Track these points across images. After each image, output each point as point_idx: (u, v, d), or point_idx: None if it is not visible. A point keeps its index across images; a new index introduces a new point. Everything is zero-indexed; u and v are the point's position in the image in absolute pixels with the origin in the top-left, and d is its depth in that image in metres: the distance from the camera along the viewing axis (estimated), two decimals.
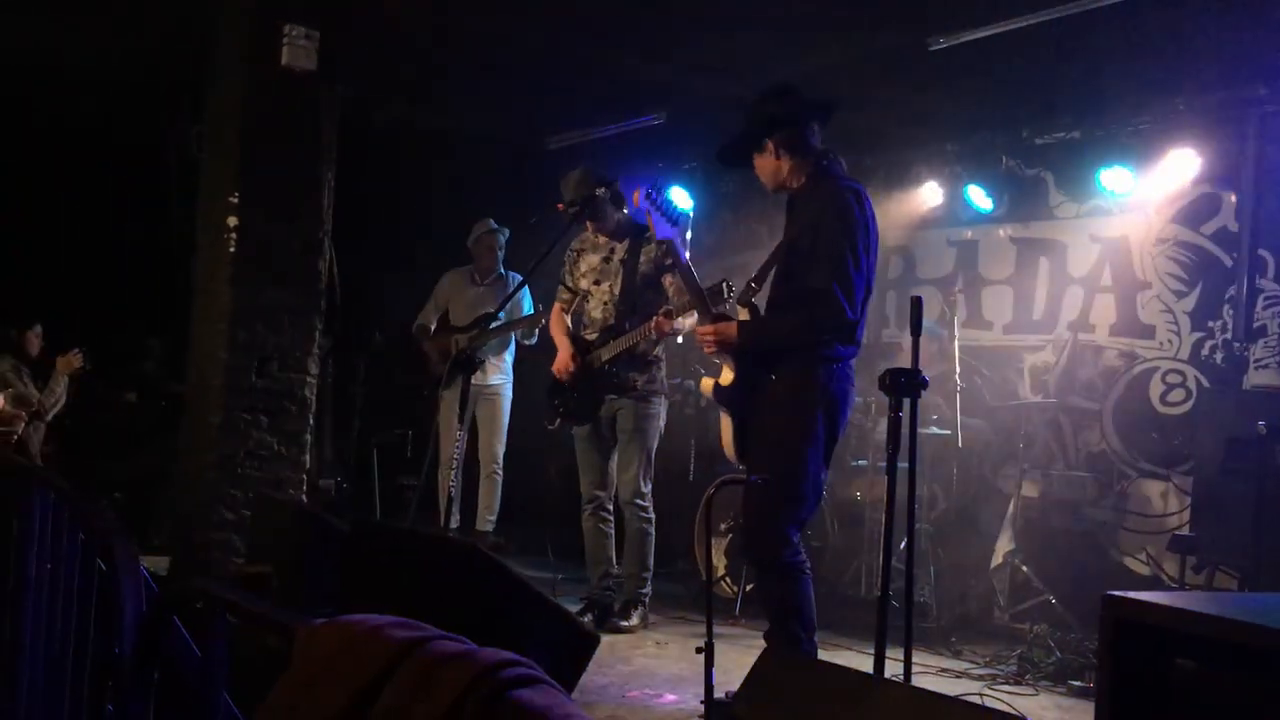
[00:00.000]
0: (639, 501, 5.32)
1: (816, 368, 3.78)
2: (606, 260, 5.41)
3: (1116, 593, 1.88)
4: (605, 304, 5.37)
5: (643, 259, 5.29)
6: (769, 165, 3.99)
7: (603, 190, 5.15)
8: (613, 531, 5.47)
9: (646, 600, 5.45)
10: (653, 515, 5.39)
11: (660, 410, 5.38)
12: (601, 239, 5.43)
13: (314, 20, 5.17)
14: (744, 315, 3.99)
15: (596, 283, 5.42)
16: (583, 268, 5.50)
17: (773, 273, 4.03)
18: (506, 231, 7.08)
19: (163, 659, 1.78)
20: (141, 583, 1.89)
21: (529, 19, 5.88)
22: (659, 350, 5.36)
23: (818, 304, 3.74)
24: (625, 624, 5.33)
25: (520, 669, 1.17)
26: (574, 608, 5.31)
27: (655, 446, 5.39)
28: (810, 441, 3.77)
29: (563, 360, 5.41)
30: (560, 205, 5.24)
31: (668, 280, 5.20)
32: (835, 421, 3.85)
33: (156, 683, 1.73)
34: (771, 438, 3.85)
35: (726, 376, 3.99)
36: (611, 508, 5.47)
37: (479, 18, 5.91)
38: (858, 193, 3.85)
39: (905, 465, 3.46)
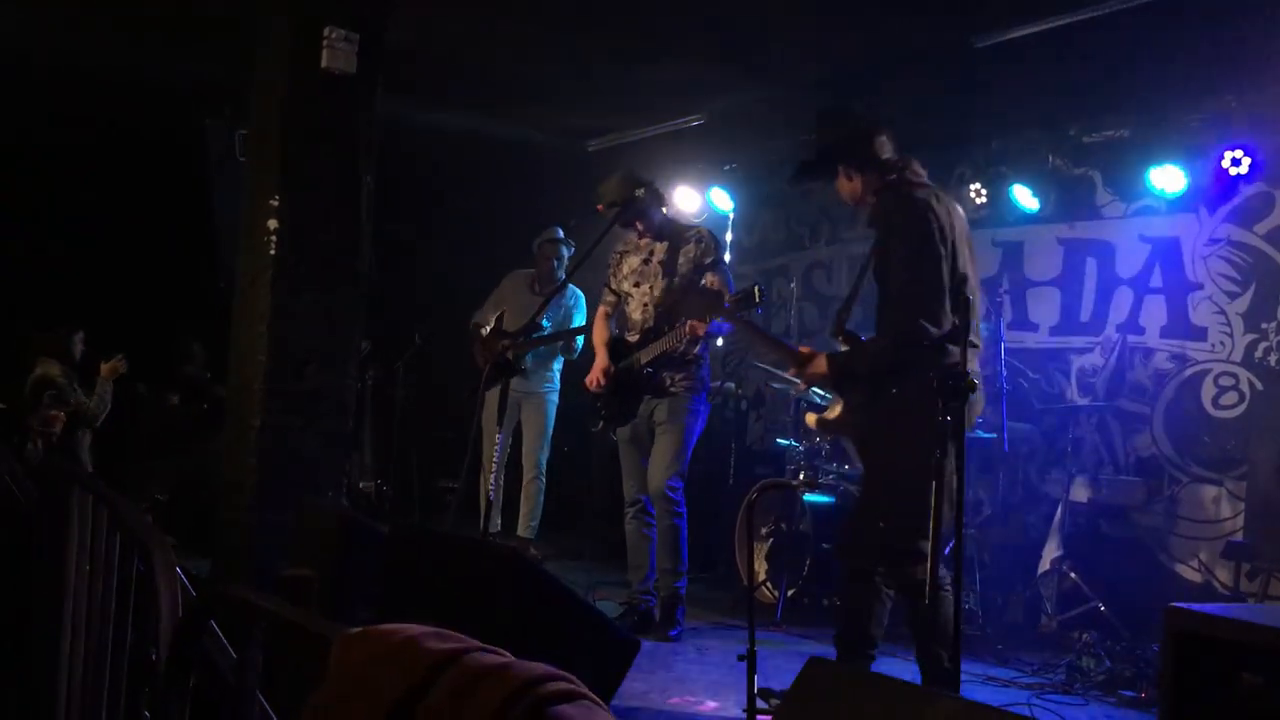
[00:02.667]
0: (668, 494, 5.22)
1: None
2: (646, 262, 5.38)
3: (1180, 604, 1.81)
4: (645, 306, 5.33)
5: (682, 259, 5.25)
6: (845, 188, 4.07)
7: (641, 191, 5.13)
8: (654, 535, 5.39)
9: (683, 597, 5.35)
10: (683, 510, 5.28)
11: (698, 408, 5.30)
12: (643, 240, 5.40)
13: (354, 23, 5.17)
14: (844, 346, 3.97)
15: (636, 284, 5.39)
16: (625, 269, 5.46)
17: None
18: (572, 245, 7.00)
19: (199, 664, 1.75)
20: (178, 587, 1.87)
21: (568, 21, 5.87)
22: (698, 350, 5.30)
23: (895, 327, 3.75)
24: (673, 633, 5.23)
25: (560, 683, 1.12)
26: (614, 612, 5.28)
27: (691, 443, 5.29)
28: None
29: (593, 373, 5.41)
30: (600, 207, 5.21)
31: (709, 279, 5.16)
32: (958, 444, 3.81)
33: (192, 688, 1.70)
34: (897, 450, 3.76)
35: (834, 411, 4.00)
36: (654, 508, 5.39)
37: (518, 21, 5.90)
38: (927, 203, 3.80)
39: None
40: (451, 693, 1.15)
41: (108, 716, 2.16)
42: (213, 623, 1.82)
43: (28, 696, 2.57)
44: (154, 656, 1.90)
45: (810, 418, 4.14)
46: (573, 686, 1.13)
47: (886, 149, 3.99)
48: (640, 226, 5.35)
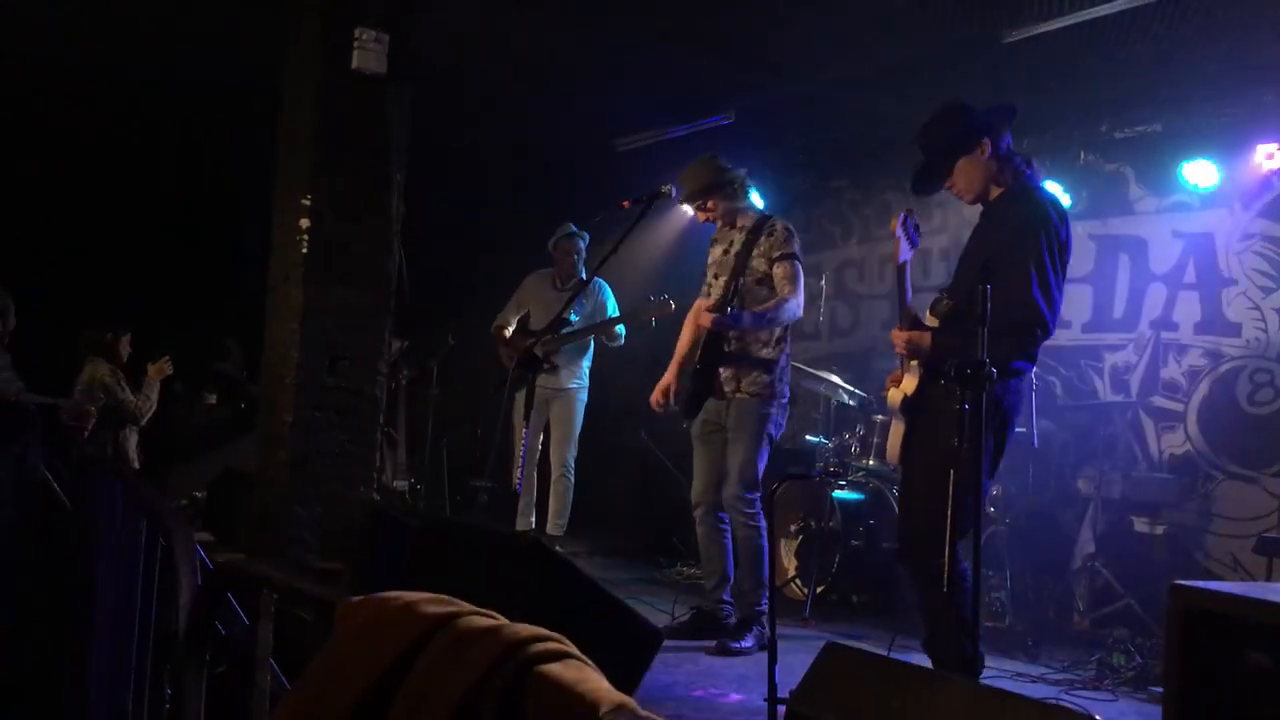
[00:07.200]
0: (739, 506, 4.97)
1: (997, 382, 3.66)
2: (725, 253, 5.25)
3: (1184, 582, 1.81)
4: (719, 299, 5.17)
5: (755, 253, 5.10)
6: (965, 174, 3.93)
7: (713, 178, 5.12)
8: (727, 540, 5.14)
9: (763, 619, 4.90)
10: (761, 523, 4.96)
11: (768, 411, 5.03)
12: (729, 230, 5.27)
13: (384, 24, 5.23)
14: (933, 324, 3.92)
15: (716, 276, 5.24)
16: (710, 260, 5.33)
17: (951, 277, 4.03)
18: (586, 236, 7.04)
19: (218, 635, 1.80)
20: (197, 564, 1.92)
21: (597, 21, 5.90)
22: (770, 352, 5.06)
23: (1022, 322, 3.65)
24: (735, 645, 4.87)
25: (549, 643, 1.16)
26: (682, 618, 5.24)
27: (762, 450, 5.02)
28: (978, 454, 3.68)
29: (662, 381, 5.31)
30: (625, 203, 5.15)
31: (776, 271, 5.03)
32: (1004, 436, 3.79)
33: (210, 659, 1.75)
34: (942, 448, 3.69)
35: (910, 384, 3.91)
36: (724, 514, 5.16)
37: (549, 20, 5.94)
38: (1057, 204, 3.82)
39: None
40: (444, 653, 1.19)
41: (134, 689, 2.22)
42: (230, 597, 1.86)
43: (62, 672, 2.64)
44: (175, 631, 1.95)
45: (894, 395, 4.00)
46: (561, 646, 1.16)
47: (1008, 140, 3.94)
48: (717, 214, 5.22)
